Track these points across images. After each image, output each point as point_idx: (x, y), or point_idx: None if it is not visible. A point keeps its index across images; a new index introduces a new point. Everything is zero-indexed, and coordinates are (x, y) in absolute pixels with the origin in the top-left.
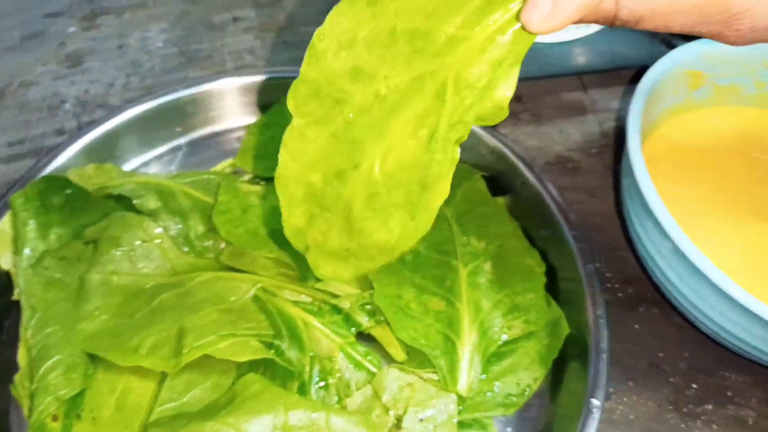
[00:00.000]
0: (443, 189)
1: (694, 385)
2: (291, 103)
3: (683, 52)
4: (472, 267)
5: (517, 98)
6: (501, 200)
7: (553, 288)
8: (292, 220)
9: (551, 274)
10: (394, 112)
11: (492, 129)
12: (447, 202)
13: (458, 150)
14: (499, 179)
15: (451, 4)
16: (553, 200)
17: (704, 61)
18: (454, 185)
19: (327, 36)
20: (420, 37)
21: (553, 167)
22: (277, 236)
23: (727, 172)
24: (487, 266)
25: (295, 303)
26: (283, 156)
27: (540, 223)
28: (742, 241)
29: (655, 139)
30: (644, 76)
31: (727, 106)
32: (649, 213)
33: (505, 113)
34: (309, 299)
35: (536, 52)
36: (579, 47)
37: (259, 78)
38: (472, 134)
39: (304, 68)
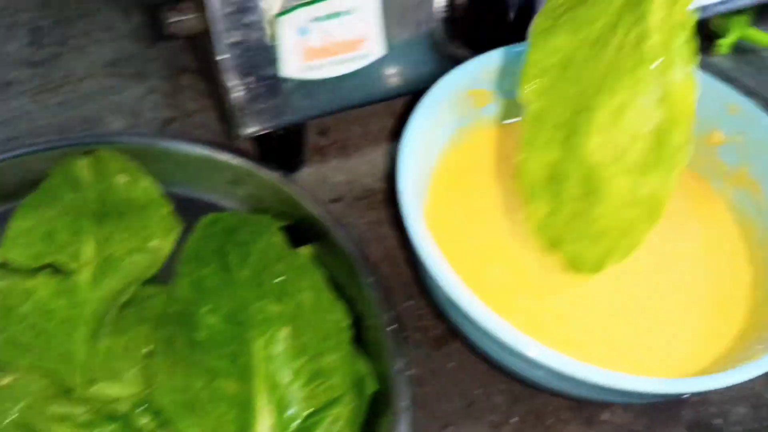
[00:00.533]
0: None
1: (515, 419)
2: (523, 90)
3: (460, 72)
4: (269, 336)
5: (322, 132)
6: (305, 250)
7: (362, 338)
8: (539, 211)
9: (359, 324)
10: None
11: (286, 174)
12: (241, 264)
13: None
14: (301, 227)
15: None
16: (353, 245)
17: (484, 78)
18: (249, 242)
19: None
20: None
21: (361, 202)
22: (47, 338)
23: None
24: (285, 332)
25: (65, 418)
26: (522, 148)
27: (346, 270)
28: (532, 277)
29: (444, 167)
30: (417, 106)
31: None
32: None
33: None
34: (82, 410)
35: (330, 85)
36: (365, 77)
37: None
38: (265, 182)
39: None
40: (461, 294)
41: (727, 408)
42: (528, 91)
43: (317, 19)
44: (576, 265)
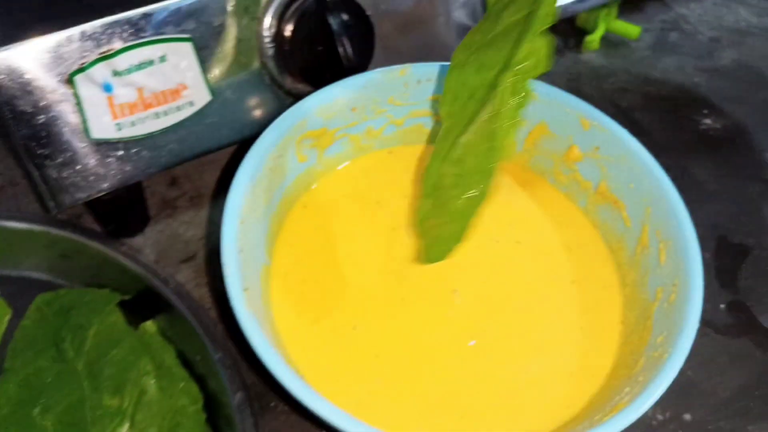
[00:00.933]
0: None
1: None
2: (441, 110)
3: (290, 116)
4: None
5: (172, 182)
6: (150, 326)
7: (219, 417)
8: (423, 208)
9: (214, 403)
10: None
11: (117, 240)
12: (77, 351)
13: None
14: (146, 298)
15: None
16: (197, 318)
17: (320, 116)
18: (85, 326)
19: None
20: None
21: (218, 258)
22: None
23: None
24: (124, 430)
25: None
26: (432, 157)
27: (196, 345)
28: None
29: (292, 220)
30: (241, 165)
31: (372, 152)
32: None
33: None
34: None
35: (156, 140)
36: (196, 125)
37: None
38: (98, 254)
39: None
40: (288, 379)
41: None
42: (443, 112)
43: (121, 72)
44: (431, 251)
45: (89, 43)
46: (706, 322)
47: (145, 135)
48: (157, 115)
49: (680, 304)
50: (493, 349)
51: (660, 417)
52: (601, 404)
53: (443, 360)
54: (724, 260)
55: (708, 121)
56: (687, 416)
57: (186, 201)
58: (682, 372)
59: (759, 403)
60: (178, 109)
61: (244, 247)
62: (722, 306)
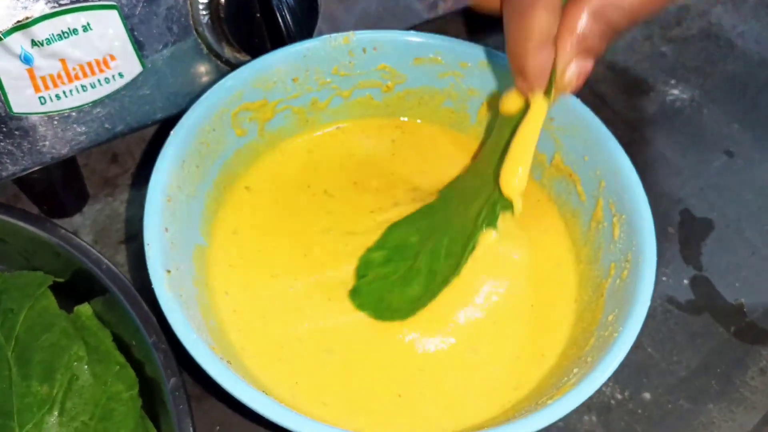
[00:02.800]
0: None
1: None
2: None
3: (223, 87)
4: (34, 424)
5: (113, 158)
6: (84, 309)
7: (157, 404)
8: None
9: (151, 389)
10: None
11: (52, 221)
12: (7, 336)
13: None
14: (80, 281)
15: None
16: (130, 300)
17: (258, 87)
18: (15, 310)
19: None
20: None
21: None
22: None
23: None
24: (53, 418)
25: None
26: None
27: (131, 329)
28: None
29: (229, 199)
30: (171, 135)
31: (320, 127)
32: None
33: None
34: None
35: (87, 114)
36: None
37: None
38: (27, 235)
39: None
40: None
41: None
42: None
43: (41, 42)
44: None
45: (2, 11)
46: (668, 298)
47: (72, 108)
48: (84, 88)
49: (632, 281)
50: (437, 329)
51: (619, 396)
52: (549, 386)
53: (384, 340)
54: (687, 235)
55: (675, 92)
56: (646, 395)
57: (128, 179)
58: (642, 349)
59: (720, 381)
60: (107, 81)
61: (172, 226)
62: (685, 281)
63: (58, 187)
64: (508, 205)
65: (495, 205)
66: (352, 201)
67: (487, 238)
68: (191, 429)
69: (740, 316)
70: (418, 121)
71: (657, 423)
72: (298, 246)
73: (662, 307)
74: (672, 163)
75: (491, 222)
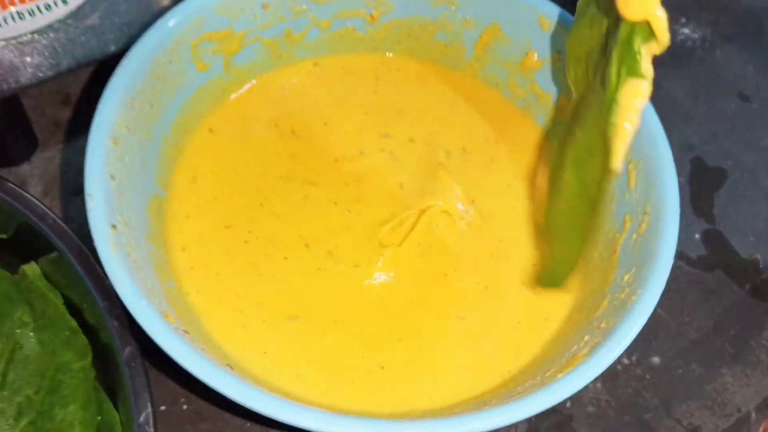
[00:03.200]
0: None
1: None
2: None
3: (180, 13)
4: None
5: (65, 100)
6: (31, 269)
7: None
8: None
9: (105, 360)
10: None
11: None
12: None
13: None
14: (27, 238)
15: None
16: (80, 259)
17: (223, 14)
18: None
19: None
20: None
21: None
22: None
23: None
24: None
25: None
26: None
27: (82, 292)
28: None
29: (192, 142)
30: (118, 68)
31: (294, 63)
32: None
33: None
34: None
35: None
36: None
37: None
38: None
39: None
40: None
41: None
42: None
43: None
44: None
45: None
46: (678, 254)
47: (8, 39)
48: (20, 15)
49: (651, 235)
50: (428, 291)
51: (626, 361)
52: (555, 354)
53: (354, 304)
54: (699, 185)
55: (686, 30)
56: (655, 359)
57: (82, 122)
58: None
59: (734, 344)
60: (48, 8)
61: (119, 173)
62: (697, 236)
63: (1, 131)
64: (648, 34)
65: (629, 41)
66: (319, 145)
67: (634, 93)
68: (149, 405)
69: (756, 273)
70: (406, 57)
71: (666, 389)
72: (255, 193)
73: (673, 264)
74: (683, 108)
75: (632, 68)
